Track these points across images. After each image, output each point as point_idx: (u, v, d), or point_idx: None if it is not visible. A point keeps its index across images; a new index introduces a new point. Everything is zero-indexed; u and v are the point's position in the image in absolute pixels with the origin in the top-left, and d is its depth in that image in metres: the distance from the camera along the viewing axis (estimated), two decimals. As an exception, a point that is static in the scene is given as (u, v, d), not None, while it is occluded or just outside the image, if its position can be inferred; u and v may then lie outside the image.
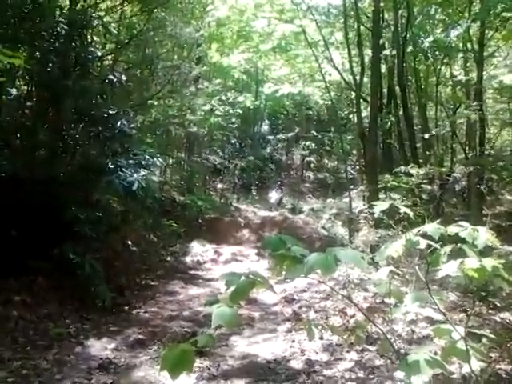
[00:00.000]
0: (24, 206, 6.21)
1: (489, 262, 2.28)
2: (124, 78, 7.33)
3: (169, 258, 9.61)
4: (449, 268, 2.40)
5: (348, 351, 4.95)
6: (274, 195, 18.75)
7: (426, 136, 12.67)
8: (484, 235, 2.47)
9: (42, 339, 5.26)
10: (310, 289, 7.49)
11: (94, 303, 6.40)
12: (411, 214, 2.54)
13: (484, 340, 4.96)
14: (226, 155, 21.97)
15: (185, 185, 15.79)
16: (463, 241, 2.47)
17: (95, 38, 8.00)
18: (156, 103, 12.15)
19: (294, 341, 5.41)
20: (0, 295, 5.71)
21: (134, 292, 7.45)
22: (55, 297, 6.20)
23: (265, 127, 25.43)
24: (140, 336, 5.61)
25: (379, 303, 6.12)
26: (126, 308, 6.73)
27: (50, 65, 6.58)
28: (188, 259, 9.86)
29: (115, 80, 7.18)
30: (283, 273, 2.16)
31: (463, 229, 2.52)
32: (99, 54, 7.49)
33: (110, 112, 7.00)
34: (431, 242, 2.56)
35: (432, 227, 2.61)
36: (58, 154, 7.35)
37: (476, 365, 2.63)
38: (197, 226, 12.74)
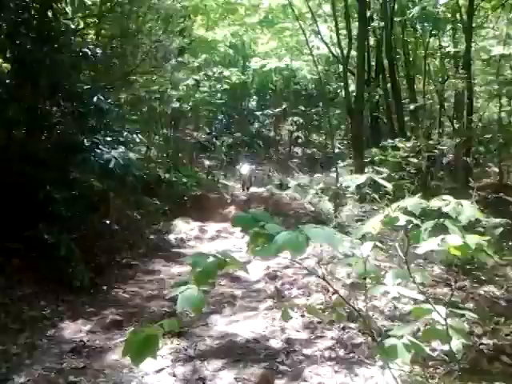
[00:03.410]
0: (-6, 186, 5.98)
1: (472, 239, 2.12)
2: (99, 51, 7.02)
3: (152, 236, 9.42)
4: (429, 245, 2.24)
5: (329, 329, 4.85)
6: (244, 168, 16.46)
7: (412, 107, 12.47)
8: (468, 209, 2.31)
9: (14, 323, 5.10)
10: (294, 265, 7.36)
11: (71, 284, 6.22)
12: (390, 187, 2.37)
13: (467, 315, 4.90)
14: (213, 131, 21.67)
15: (170, 162, 15.53)
16: (447, 215, 2.33)
17: (68, 9, 7.62)
18: (140, 79, 11.81)
19: (274, 319, 5.30)
20: (-29, 278, 5.53)
21: (113, 271, 7.28)
22: (30, 279, 6.02)
23: (252, 103, 25.08)
24: (117, 317, 5.46)
25: (363, 279, 6.02)
26: (105, 288, 6.57)
27: (19, 38, 6.25)
28: (172, 237, 9.69)
29: (90, 53, 6.87)
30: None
31: (446, 203, 2.36)
32: (73, 26, 7.14)
33: (85, 87, 6.71)
34: (411, 218, 2.40)
35: (413, 202, 2.44)
36: (31, 132, 7.08)
37: (458, 344, 2.51)
38: (182, 204, 12.54)
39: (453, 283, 5.72)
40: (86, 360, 4.43)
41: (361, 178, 2.32)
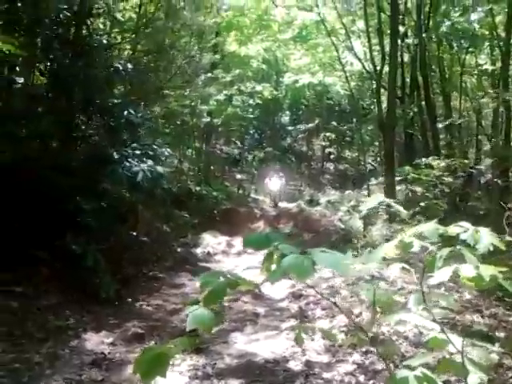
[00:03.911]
0: (27, 197, 6.13)
1: (487, 270, 2.02)
2: (130, 66, 7.17)
3: (179, 250, 9.48)
4: (441, 275, 2.16)
5: (351, 353, 4.71)
6: (273, 182, 15.80)
7: (447, 123, 12.19)
8: (486, 237, 2.22)
9: (39, 332, 5.17)
10: (319, 284, 7.25)
11: (97, 295, 6.30)
12: (404, 212, 2.30)
13: (497, 345, 4.68)
14: (245, 146, 21.78)
15: (202, 175, 15.68)
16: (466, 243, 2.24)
17: (101, 25, 7.84)
18: (173, 93, 12.02)
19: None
20: (0, 286, 5.64)
21: (140, 284, 7.35)
22: (57, 288, 6.12)
23: (285, 118, 25.13)
24: (139, 330, 5.48)
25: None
26: (130, 300, 6.62)
27: (54, 52, 6.45)
28: (199, 251, 9.73)
29: (121, 68, 7.02)
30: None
31: (464, 230, 2.27)
32: (105, 42, 7.33)
33: (116, 101, 6.85)
34: (427, 244, 2.32)
35: (429, 227, 2.36)
36: (65, 144, 7.26)
37: (476, 379, 2.38)
38: (212, 217, 12.61)
39: (484, 310, 5.51)
40: (105, 373, 4.43)
41: (372, 202, 2.25)
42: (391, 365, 4.29)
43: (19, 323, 5.26)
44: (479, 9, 9.71)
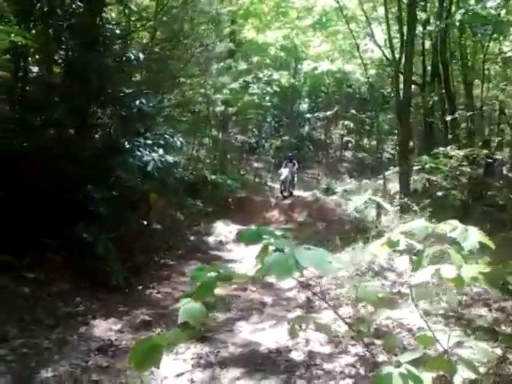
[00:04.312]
0: (38, 184, 6.25)
1: (468, 270, 2.00)
2: (141, 55, 7.19)
3: (192, 238, 9.57)
4: (422, 275, 2.14)
5: (354, 344, 4.72)
6: (284, 172, 15.14)
7: (468, 111, 11.97)
8: (474, 236, 2.19)
9: (49, 318, 5.30)
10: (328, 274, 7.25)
11: (107, 282, 6.41)
12: (390, 209, 2.29)
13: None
14: (262, 134, 21.73)
15: (217, 163, 15.72)
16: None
17: (114, 15, 7.88)
18: (189, 81, 12.03)
19: (306, 328, 5.21)
20: (13, 272, 5.78)
21: (150, 271, 7.45)
22: (68, 275, 6.25)
23: (304, 105, 24.93)
24: (147, 317, 5.58)
25: (395, 293, 5.84)
26: (140, 288, 6.73)
27: (67, 42, 6.51)
28: (211, 239, 9.80)
29: (133, 58, 7.05)
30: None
31: (453, 228, 2.25)
32: (118, 31, 7.36)
33: (127, 91, 6.89)
34: (413, 242, 2.30)
35: (419, 225, 2.35)
36: (76, 132, 7.35)
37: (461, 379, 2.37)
38: (226, 206, 12.67)
39: (492, 303, 5.44)
40: (111, 359, 4.53)
41: (362, 199, 2.25)
42: (393, 357, 4.30)
43: (30, 309, 5.39)
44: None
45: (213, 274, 1.94)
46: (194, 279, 1.98)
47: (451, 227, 2.22)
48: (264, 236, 2.09)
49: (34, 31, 6.43)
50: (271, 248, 1.98)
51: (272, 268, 1.83)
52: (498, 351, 4.18)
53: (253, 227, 2.13)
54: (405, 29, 14.01)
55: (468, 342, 3.76)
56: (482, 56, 15.72)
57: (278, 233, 2.16)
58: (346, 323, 2.60)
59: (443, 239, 2.35)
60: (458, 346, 3.98)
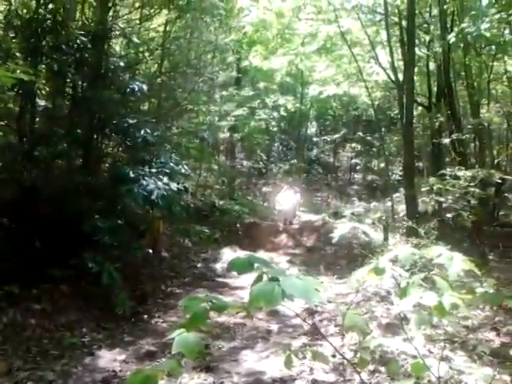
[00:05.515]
0: (44, 215, 6.35)
1: (448, 298, 2.01)
2: (145, 87, 7.34)
3: (199, 265, 9.57)
4: (405, 304, 2.15)
5: (359, 372, 4.65)
6: (285, 199, 14.23)
7: (469, 126, 11.99)
8: (458, 263, 2.20)
9: (55, 349, 5.33)
10: (336, 299, 7.19)
11: (113, 312, 6.44)
12: (373, 234, 2.30)
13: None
14: (270, 158, 21.85)
15: (226, 189, 15.82)
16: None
17: (117, 48, 8.08)
18: (194, 109, 12.22)
19: (305, 357, 5.16)
20: (20, 303, 5.83)
21: (157, 300, 7.45)
22: (75, 305, 6.29)
23: (312, 129, 25.10)
24: (152, 348, 5.56)
25: (401, 319, 5.76)
26: (146, 317, 6.73)
27: (72, 77, 6.69)
28: (218, 266, 9.77)
29: (137, 89, 7.20)
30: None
31: (438, 254, 2.26)
32: (122, 64, 7.54)
33: (131, 121, 7.03)
34: (399, 269, 2.31)
35: (404, 252, 2.36)
36: (82, 164, 7.48)
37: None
38: (234, 231, 12.68)
39: (500, 328, 5.35)
40: (114, 391, 4.53)
41: (345, 228, 2.28)
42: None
43: (37, 340, 5.44)
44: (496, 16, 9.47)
45: (205, 304, 1.97)
46: (186, 309, 2.00)
47: (437, 253, 2.24)
48: (256, 264, 2.12)
49: (40, 66, 6.63)
50: (265, 277, 2.01)
51: (258, 298, 1.86)
52: (506, 377, 4.10)
53: (243, 256, 2.15)
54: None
55: (472, 369, 3.71)
56: (487, 76, 15.80)
57: (268, 260, 2.19)
58: (341, 354, 2.60)
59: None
60: (459, 373, 3.92)
